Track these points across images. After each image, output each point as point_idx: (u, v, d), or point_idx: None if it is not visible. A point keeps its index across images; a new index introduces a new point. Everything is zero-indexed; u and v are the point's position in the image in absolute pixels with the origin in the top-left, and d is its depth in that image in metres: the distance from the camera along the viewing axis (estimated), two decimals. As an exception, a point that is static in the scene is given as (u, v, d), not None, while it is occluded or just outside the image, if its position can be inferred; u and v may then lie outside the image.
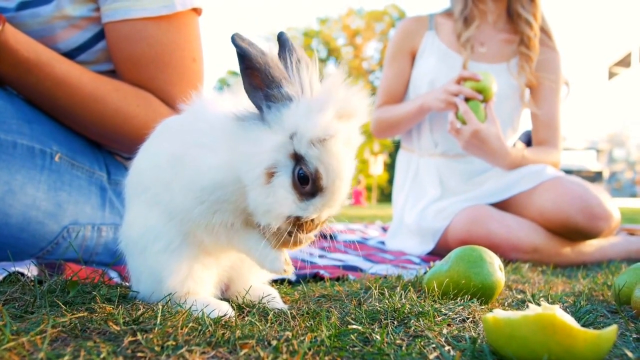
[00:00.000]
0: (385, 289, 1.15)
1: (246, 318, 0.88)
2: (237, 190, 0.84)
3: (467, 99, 2.15)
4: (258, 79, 0.81)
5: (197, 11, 1.54)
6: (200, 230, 0.90)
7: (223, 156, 0.85)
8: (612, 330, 0.67)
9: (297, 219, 0.82)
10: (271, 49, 0.83)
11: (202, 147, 0.87)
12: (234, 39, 0.80)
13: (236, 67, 0.85)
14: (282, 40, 0.86)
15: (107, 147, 1.60)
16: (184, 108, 0.96)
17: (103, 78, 1.43)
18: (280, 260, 0.88)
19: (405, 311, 0.93)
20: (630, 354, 0.69)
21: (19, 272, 1.13)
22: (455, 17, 2.48)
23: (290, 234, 0.84)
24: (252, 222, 0.88)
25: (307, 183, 0.79)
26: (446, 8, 2.63)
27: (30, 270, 1.15)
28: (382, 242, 2.71)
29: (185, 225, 0.91)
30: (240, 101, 0.89)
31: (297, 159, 0.79)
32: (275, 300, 1.03)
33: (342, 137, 0.80)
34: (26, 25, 1.37)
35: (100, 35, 1.49)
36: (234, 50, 0.81)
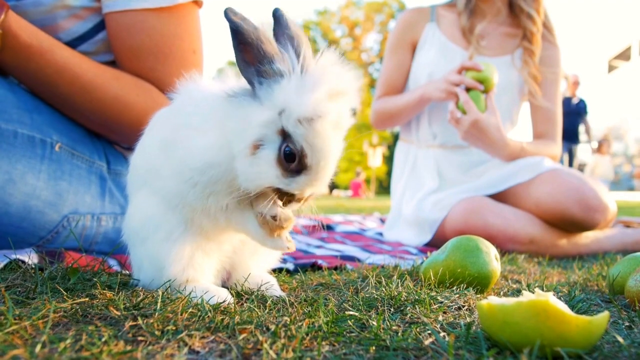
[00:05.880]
0: (383, 278, 1.16)
1: (245, 304, 0.89)
2: (229, 169, 0.85)
3: (468, 89, 2.15)
4: (250, 55, 0.81)
5: (197, 3, 1.54)
6: (198, 215, 0.91)
7: (212, 136, 0.86)
8: (603, 316, 0.69)
9: (278, 190, 0.83)
10: (264, 25, 0.82)
11: (191, 129, 0.88)
12: (227, 14, 0.80)
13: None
14: (276, 16, 0.86)
15: (107, 137, 1.60)
16: (174, 95, 0.96)
17: (103, 66, 1.43)
18: (281, 237, 0.88)
19: (402, 299, 0.94)
20: (621, 340, 0.71)
21: (19, 260, 1.14)
22: (459, 10, 2.47)
23: (274, 218, 0.86)
24: (244, 201, 0.89)
25: (293, 160, 0.80)
26: (448, 0, 2.63)
27: (30, 257, 1.16)
28: (380, 234, 2.73)
29: (184, 211, 0.92)
30: (230, 86, 0.90)
31: (285, 135, 0.80)
32: (274, 287, 1.04)
33: (331, 118, 0.80)
34: (28, 15, 1.37)
35: (100, 26, 1.49)
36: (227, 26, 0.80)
